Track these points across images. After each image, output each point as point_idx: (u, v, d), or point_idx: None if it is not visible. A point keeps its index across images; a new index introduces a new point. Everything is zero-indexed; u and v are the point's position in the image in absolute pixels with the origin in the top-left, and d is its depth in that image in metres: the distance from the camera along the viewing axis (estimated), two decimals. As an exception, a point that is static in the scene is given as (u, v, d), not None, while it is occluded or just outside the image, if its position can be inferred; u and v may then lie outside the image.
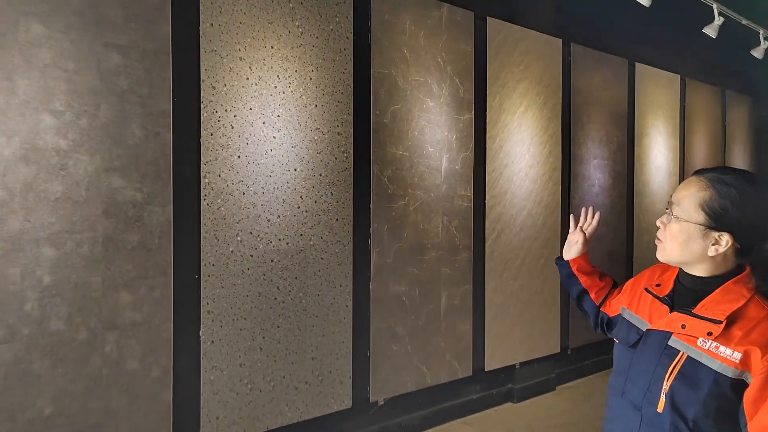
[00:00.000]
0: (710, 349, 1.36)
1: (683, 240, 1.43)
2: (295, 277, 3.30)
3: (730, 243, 1.39)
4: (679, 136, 6.46)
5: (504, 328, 4.47)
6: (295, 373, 3.31)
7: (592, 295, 1.95)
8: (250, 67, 3.12)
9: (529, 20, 4.68)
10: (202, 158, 2.96)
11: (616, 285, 1.98)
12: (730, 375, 1.33)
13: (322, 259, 3.40)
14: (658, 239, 1.52)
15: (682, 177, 6.54)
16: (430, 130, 3.95)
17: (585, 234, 2.03)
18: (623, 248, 5.68)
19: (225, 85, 3.04)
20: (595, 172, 5.36)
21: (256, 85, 3.15)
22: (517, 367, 4.61)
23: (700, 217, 1.41)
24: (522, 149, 4.60)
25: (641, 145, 5.92)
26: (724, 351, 1.34)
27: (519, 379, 4.63)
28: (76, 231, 2.59)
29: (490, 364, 4.38)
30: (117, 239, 2.70)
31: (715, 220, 1.39)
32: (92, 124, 2.63)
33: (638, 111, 5.86)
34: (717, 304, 1.39)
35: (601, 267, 5.41)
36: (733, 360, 1.33)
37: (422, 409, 4.00)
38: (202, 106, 2.96)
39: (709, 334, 1.37)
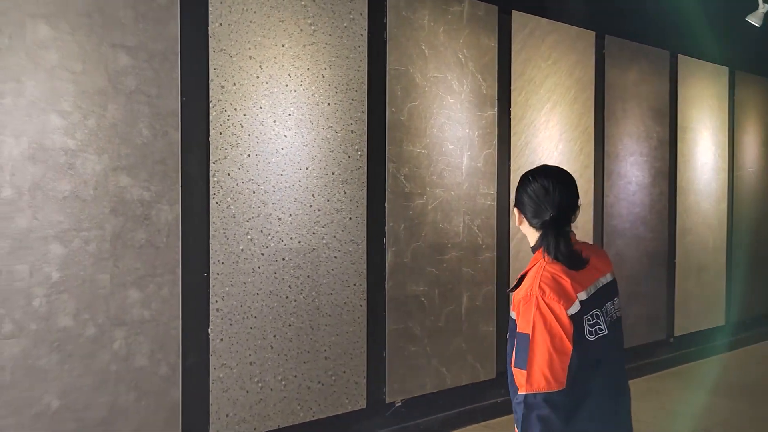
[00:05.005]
0: (511, 312, 1.72)
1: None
2: (308, 276, 3.29)
3: (517, 214, 1.79)
4: (728, 131, 6.14)
5: (530, 330, 4.33)
6: (308, 373, 3.29)
7: None
8: (260, 66, 3.12)
9: (558, 12, 4.53)
10: (210, 157, 2.98)
11: None
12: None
13: (335, 257, 3.37)
14: None
15: (731, 173, 6.22)
16: (450, 127, 3.87)
17: None
18: (664, 249, 5.43)
19: (234, 84, 3.05)
20: (632, 169, 5.14)
21: (267, 83, 3.15)
22: (545, 370, 4.46)
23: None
24: (550, 146, 4.45)
25: (685, 140, 5.65)
26: (511, 312, 1.71)
27: (547, 383, 4.48)
28: (83, 229, 2.64)
29: (516, 367, 4.25)
30: (125, 237, 2.74)
31: (515, 200, 1.81)
32: (100, 124, 2.68)
33: (681, 105, 5.59)
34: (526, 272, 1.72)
35: (639, 269, 5.15)
36: (512, 317, 1.69)
37: (442, 411, 3.93)
38: (210, 105, 2.98)
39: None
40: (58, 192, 2.58)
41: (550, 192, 1.69)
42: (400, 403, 3.70)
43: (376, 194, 3.56)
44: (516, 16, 4.23)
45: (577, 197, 1.75)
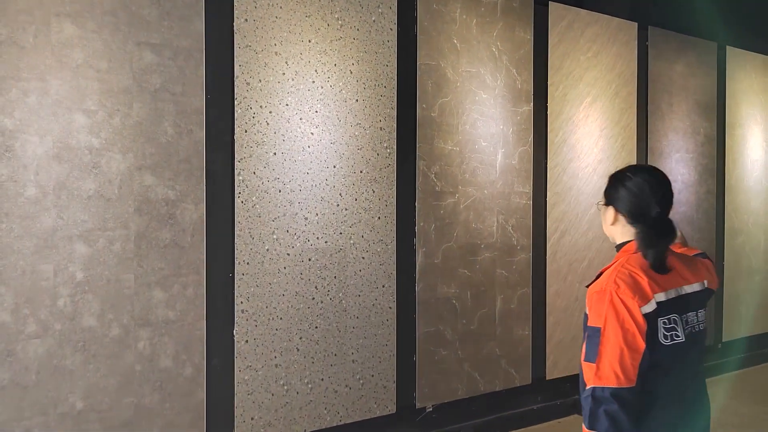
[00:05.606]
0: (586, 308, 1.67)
1: (602, 218, 1.81)
2: (335, 277, 3.21)
3: (612, 213, 1.73)
4: (780, 127, 5.82)
5: (568, 334, 4.18)
6: (335, 376, 3.22)
7: None
8: (286, 62, 3.06)
9: (598, 3, 4.35)
10: (236, 155, 2.93)
11: None
12: None
13: (363, 258, 3.29)
14: None
15: (784, 171, 5.90)
16: (483, 124, 3.74)
17: None
18: (712, 250, 5.18)
19: (260, 80, 2.99)
20: (677, 166, 4.92)
21: (293, 80, 3.08)
22: (583, 376, 4.29)
23: (602, 199, 1.79)
24: (589, 143, 4.28)
25: (734, 136, 5.38)
26: (586, 308, 1.63)
27: (586, 390, 4.31)
28: (108, 228, 2.62)
29: (552, 372, 4.10)
30: (149, 237, 2.72)
31: (606, 198, 1.77)
32: (125, 122, 2.66)
33: (730, 99, 5.33)
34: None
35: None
36: (586, 312, 1.62)
37: (474, 417, 3.80)
38: (235, 102, 2.93)
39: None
40: (82, 191, 2.56)
41: (654, 187, 1.66)
42: (431, 409, 3.60)
43: (405, 193, 3.47)
44: (553, 7, 4.08)
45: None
